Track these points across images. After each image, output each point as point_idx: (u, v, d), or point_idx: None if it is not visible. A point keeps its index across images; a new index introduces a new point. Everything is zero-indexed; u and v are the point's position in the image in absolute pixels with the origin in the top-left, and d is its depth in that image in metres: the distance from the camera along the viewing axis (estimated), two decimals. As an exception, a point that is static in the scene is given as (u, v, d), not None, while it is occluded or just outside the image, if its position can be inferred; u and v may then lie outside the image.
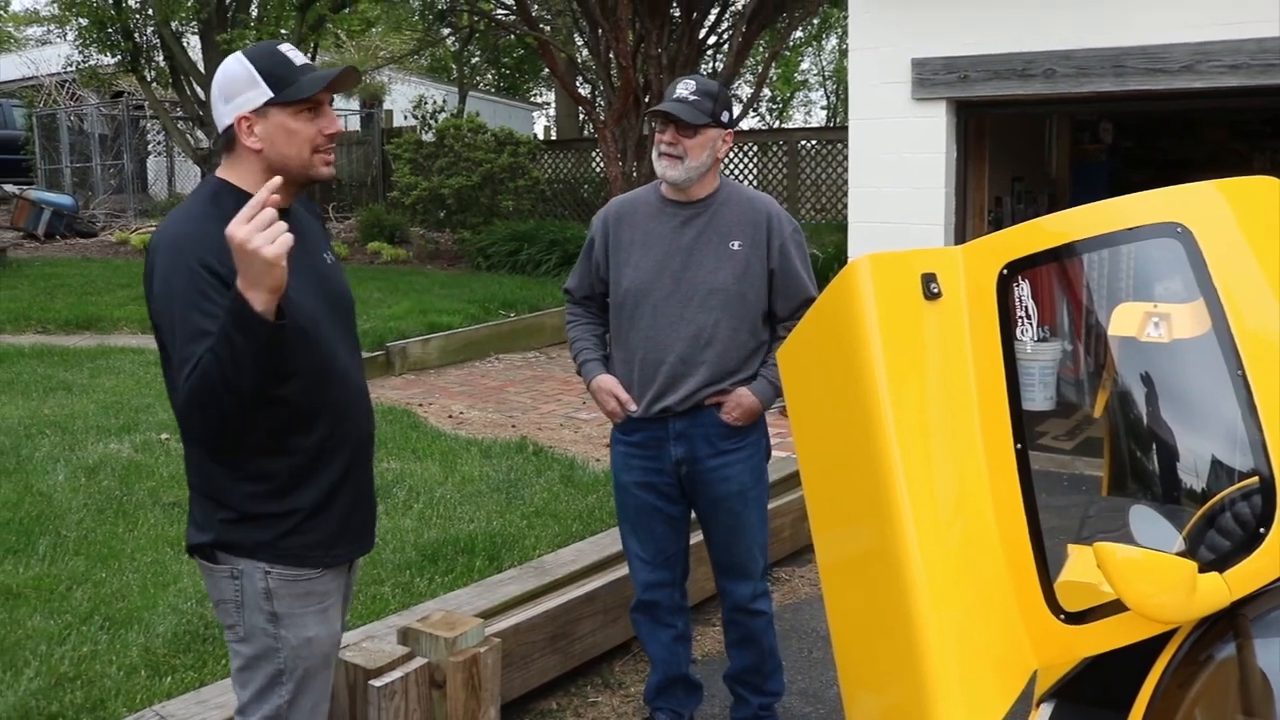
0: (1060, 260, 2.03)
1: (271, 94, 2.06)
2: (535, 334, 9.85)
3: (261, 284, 1.82)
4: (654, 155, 3.09)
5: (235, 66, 2.09)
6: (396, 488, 5.19)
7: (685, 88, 3.03)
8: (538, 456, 5.91)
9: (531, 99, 27.70)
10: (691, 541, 3.34)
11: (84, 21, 15.82)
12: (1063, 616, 1.89)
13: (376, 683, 2.79)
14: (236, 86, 2.07)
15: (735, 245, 3.07)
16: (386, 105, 19.64)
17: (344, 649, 2.72)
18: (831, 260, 8.89)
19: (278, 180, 1.88)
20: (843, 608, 2.14)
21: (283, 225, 1.83)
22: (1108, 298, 2.09)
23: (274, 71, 2.07)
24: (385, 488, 5.13)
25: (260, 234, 1.80)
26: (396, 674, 2.84)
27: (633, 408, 3.14)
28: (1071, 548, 2.10)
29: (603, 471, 5.39)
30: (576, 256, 3.30)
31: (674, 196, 3.12)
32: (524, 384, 8.35)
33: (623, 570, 3.61)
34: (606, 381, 3.18)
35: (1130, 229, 1.94)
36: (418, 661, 2.91)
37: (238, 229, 1.81)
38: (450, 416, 7.14)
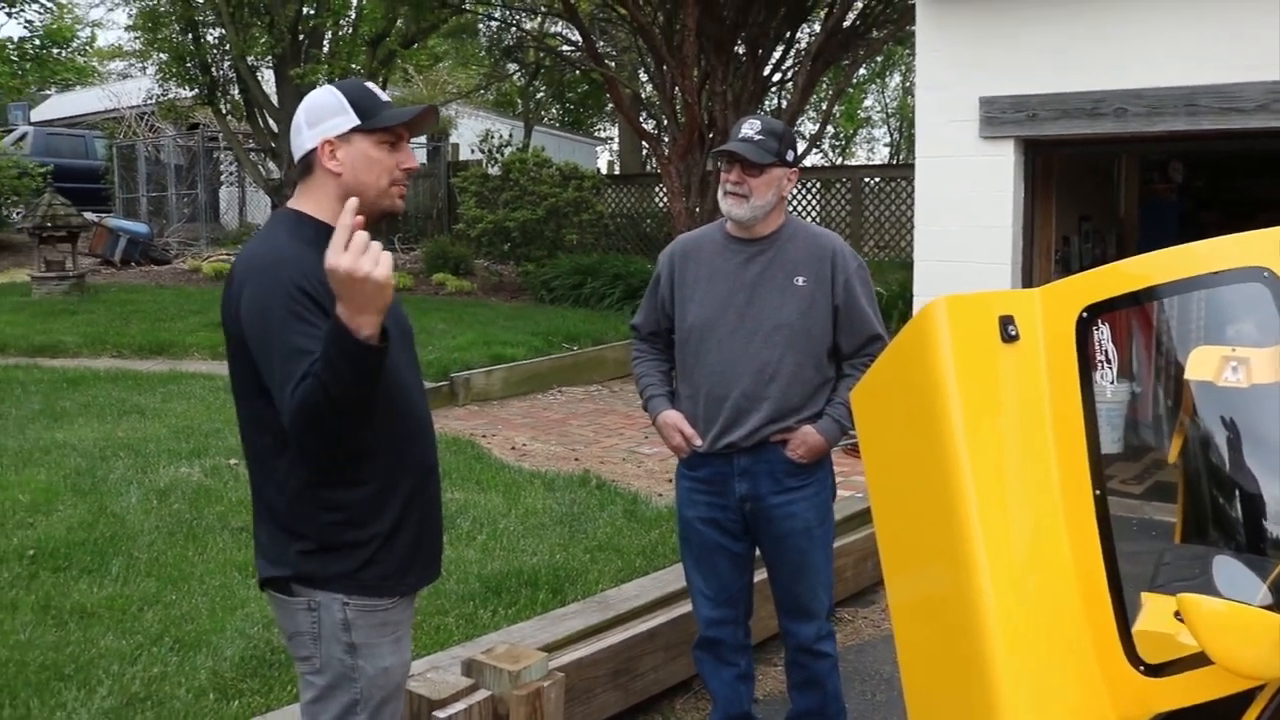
0: (1141, 304, 2.00)
1: (358, 120, 2.12)
2: (598, 367, 9.88)
3: (371, 308, 1.82)
4: (720, 194, 3.11)
5: (325, 95, 2.17)
6: (461, 518, 5.23)
7: (750, 127, 3.06)
8: (600, 490, 5.92)
9: (595, 133, 27.95)
10: (755, 580, 3.33)
11: (164, 56, 16.34)
12: (1142, 668, 1.85)
13: (441, 714, 2.81)
14: (324, 113, 2.14)
15: (800, 281, 3.08)
16: (453, 139, 19.94)
17: (410, 678, 2.73)
18: (895, 298, 8.81)
19: (355, 200, 1.88)
20: (914, 652, 2.11)
21: (378, 245, 1.83)
22: (1191, 342, 2.06)
23: (362, 102, 2.14)
24: (449, 518, 5.16)
25: (365, 258, 1.80)
26: (460, 705, 2.85)
27: (698, 443, 3.14)
28: (1145, 596, 2.06)
29: (665, 507, 5.38)
30: (640, 290, 3.34)
31: (738, 234, 3.14)
32: (586, 417, 8.38)
33: (686, 607, 3.60)
34: (672, 416, 3.20)
35: (1214, 273, 1.91)
36: (482, 694, 2.92)
37: (339, 259, 1.79)
38: (513, 448, 7.18)
